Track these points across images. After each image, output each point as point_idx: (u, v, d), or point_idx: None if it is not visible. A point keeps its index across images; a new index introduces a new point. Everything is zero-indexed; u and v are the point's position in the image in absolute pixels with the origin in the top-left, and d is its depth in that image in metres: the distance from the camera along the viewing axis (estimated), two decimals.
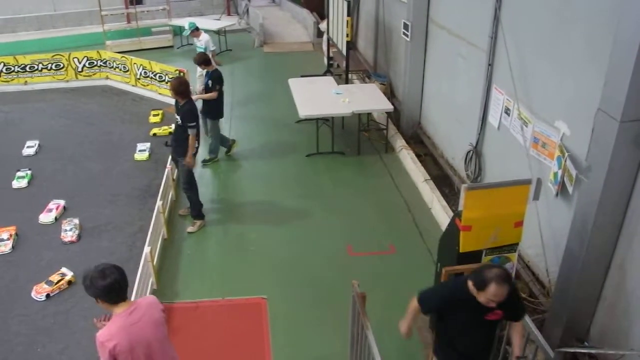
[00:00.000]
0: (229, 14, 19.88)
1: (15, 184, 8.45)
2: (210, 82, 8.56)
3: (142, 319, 3.45)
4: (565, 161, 5.02)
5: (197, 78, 11.04)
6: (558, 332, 4.93)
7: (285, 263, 6.66)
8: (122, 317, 3.40)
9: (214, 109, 8.74)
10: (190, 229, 7.29)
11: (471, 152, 7.50)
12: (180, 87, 6.94)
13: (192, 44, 13.07)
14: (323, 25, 15.00)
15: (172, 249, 6.94)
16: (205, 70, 8.81)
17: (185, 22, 13.81)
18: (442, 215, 7.23)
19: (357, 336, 4.25)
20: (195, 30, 11.02)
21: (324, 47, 13.95)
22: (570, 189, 5.00)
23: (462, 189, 4.39)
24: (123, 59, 12.63)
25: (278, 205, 7.90)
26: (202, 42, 10.91)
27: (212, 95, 8.54)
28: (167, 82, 11.73)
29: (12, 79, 12.81)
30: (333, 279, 6.29)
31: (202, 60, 8.64)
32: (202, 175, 8.73)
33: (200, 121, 8.40)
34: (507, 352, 4.56)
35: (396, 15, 10.42)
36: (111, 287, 3.32)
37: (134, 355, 3.41)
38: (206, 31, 11.81)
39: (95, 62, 12.96)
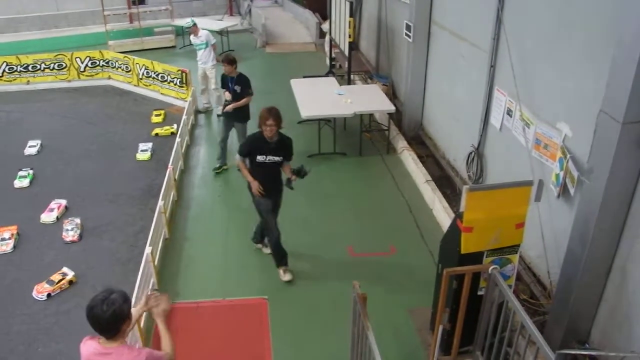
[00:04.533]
0: (231, 15, 19.90)
1: (17, 183, 8.47)
2: (238, 87, 8.25)
3: None
4: (567, 163, 5.01)
5: (198, 68, 11.00)
6: (559, 334, 4.92)
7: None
8: (97, 351, 3.19)
9: (244, 111, 8.44)
10: None
11: (473, 153, 7.49)
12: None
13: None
14: (325, 26, 15.01)
15: (174, 249, 6.94)
16: (228, 70, 8.32)
17: (186, 23, 13.91)
18: (443, 216, 7.22)
19: (358, 337, 4.24)
20: (195, 27, 11.02)
21: (326, 48, 13.96)
22: (572, 190, 4.99)
23: (464, 190, 4.38)
24: (125, 59, 12.66)
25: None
26: (202, 37, 10.89)
27: (248, 100, 8.34)
28: (169, 83, 11.77)
29: (15, 79, 12.85)
30: (334, 279, 6.29)
31: (229, 60, 8.24)
32: (203, 177, 8.75)
33: (222, 127, 8.67)
34: (508, 353, 4.55)
35: (398, 16, 10.42)
36: (90, 318, 3.10)
37: None
38: (210, 32, 11.83)
39: (98, 62, 12.99)
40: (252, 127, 9.48)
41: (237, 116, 8.39)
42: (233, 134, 8.76)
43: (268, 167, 5.89)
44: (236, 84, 8.27)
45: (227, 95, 8.29)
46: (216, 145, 8.96)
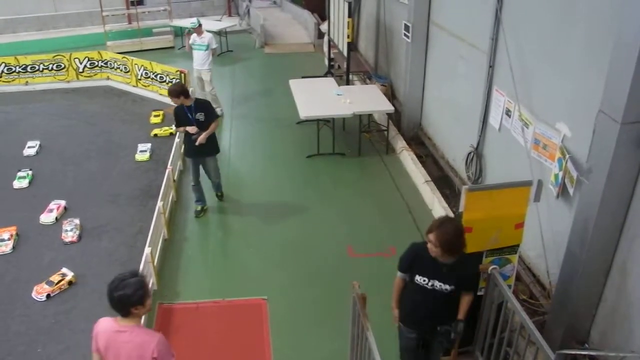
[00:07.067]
0: (229, 15, 19.89)
1: (16, 184, 8.46)
2: (201, 115, 7.07)
3: (122, 348, 3.40)
4: (566, 163, 5.02)
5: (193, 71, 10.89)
6: (558, 334, 4.93)
7: (286, 264, 6.67)
8: (113, 328, 3.42)
9: (213, 142, 7.36)
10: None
11: (472, 153, 7.50)
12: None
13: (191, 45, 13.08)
14: (324, 27, 15.00)
15: (173, 249, 6.94)
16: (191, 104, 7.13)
17: (185, 23, 13.89)
18: None
19: (358, 337, 4.25)
20: (199, 27, 11.03)
21: (325, 48, 13.96)
22: (571, 190, 4.99)
23: (463, 190, 4.39)
24: (124, 59, 12.65)
25: (278, 206, 7.90)
26: (205, 39, 10.88)
27: (216, 125, 7.24)
28: (167, 83, 11.76)
29: (13, 80, 12.83)
30: (333, 280, 6.29)
31: (182, 91, 7.04)
32: (202, 177, 8.69)
33: (191, 168, 7.49)
34: (507, 353, 4.56)
35: (397, 17, 10.43)
36: (110, 298, 3.34)
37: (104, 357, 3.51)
38: (208, 32, 11.85)
39: (96, 63, 12.98)
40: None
41: (208, 149, 7.25)
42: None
43: (428, 294, 4.08)
44: (197, 111, 7.05)
45: (192, 129, 7.05)
46: (191, 188, 7.72)
